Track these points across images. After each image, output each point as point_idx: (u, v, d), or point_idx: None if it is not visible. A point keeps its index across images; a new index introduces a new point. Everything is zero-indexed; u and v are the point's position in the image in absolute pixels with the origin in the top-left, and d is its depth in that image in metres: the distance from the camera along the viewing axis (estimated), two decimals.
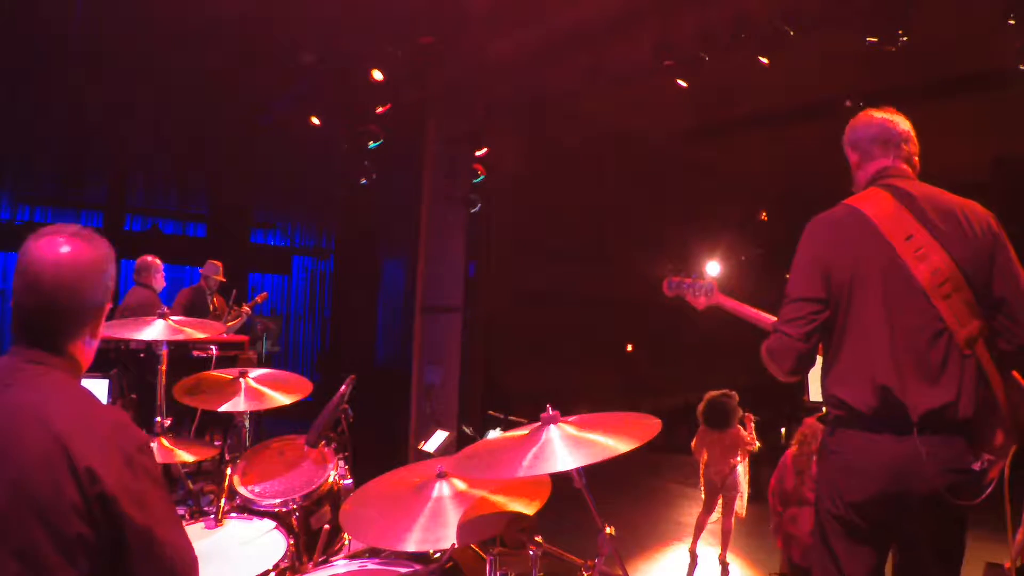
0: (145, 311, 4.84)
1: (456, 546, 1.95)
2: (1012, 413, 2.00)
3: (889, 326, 1.97)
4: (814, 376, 3.24)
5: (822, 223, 2.16)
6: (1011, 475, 2.04)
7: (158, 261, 6.24)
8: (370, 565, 2.31)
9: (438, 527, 2.00)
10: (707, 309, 2.63)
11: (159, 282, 6.18)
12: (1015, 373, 2.07)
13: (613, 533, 1.89)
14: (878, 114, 2.23)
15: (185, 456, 2.93)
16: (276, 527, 2.63)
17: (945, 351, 1.93)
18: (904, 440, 1.89)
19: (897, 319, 1.97)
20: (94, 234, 1.51)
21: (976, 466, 1.90)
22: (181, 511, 3.02)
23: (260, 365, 6.68)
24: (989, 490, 1.92)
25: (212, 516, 2.66)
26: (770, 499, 4.05)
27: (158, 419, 3.17)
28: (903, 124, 2.21)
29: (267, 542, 2.54)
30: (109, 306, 1.52)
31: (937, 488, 1.86)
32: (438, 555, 2.29)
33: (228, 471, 2.95)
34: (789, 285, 2.12)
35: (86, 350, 1.51)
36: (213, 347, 5.62)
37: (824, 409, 3.44)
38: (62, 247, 1.43)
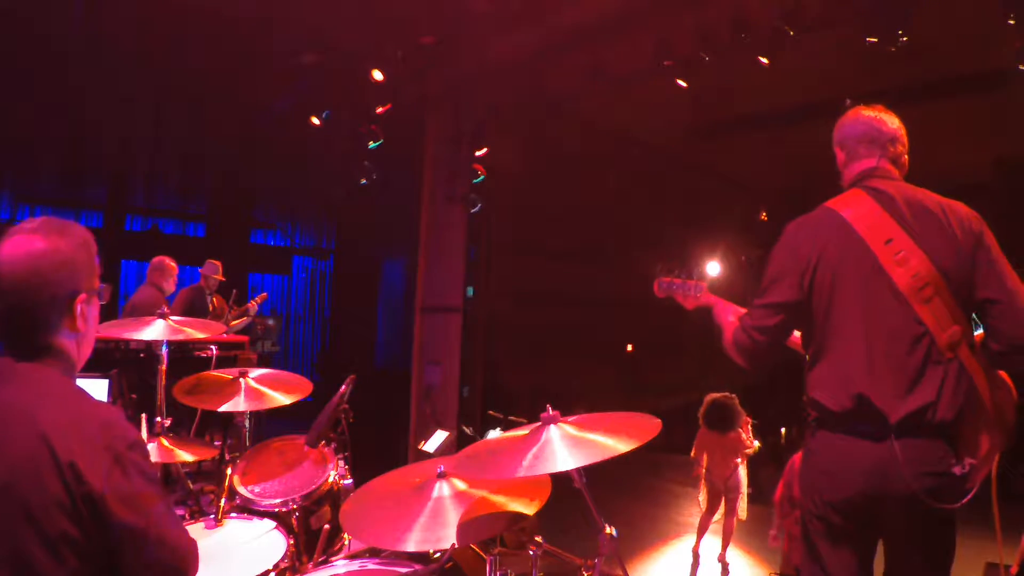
0: (148, 311, 4.83)
1: (456, 546, 1.95)
2: (999, 415, 1.99)
3: (868, 330, 1.96)
4: None
5: (801, 226, 2.14)
6: (1010, 476, 2.04)
7: (173, 265, 6.20)
8: (370, 565, 2.31)
9: (438, 527, 2.00)
10: (696, 309, 2.63)
11: (170, 285, 6.17)
12: (1002, 374, 2.05)
13: (613, 533, 1.89)
14: (867, 112, 2.20)
15: (185, 456, 2.93)
16: (276, 527, 2.63)
17: (925, 355, 1.92)
18: (882, 443, 1.89)
19: (876, 323, 1.96)
20: (62, 225, 1.47)
21: (957, 470, 1.87)
22: (181, 511, 3.02)
23: (260, 365, 6.68)
24: (971, 494, 1.91)
25: (212, 516, 2.66)
26: (777, 502, 4.05)
27: (158, 419, 3.17)
28: (892, 123, 2.17)
29: (267, 542, 2.54)
30: (84, 296, 1.46)
31: (915, 491, 1.85)
32: (438, 555, 2.29)
33: (228, 471, 2.95)
34: (765, 286, 2.12)
35: (73, 343, 1.47)
36: (213, 347, 5.62)
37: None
38: (15, 244, 1.41)
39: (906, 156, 2.18)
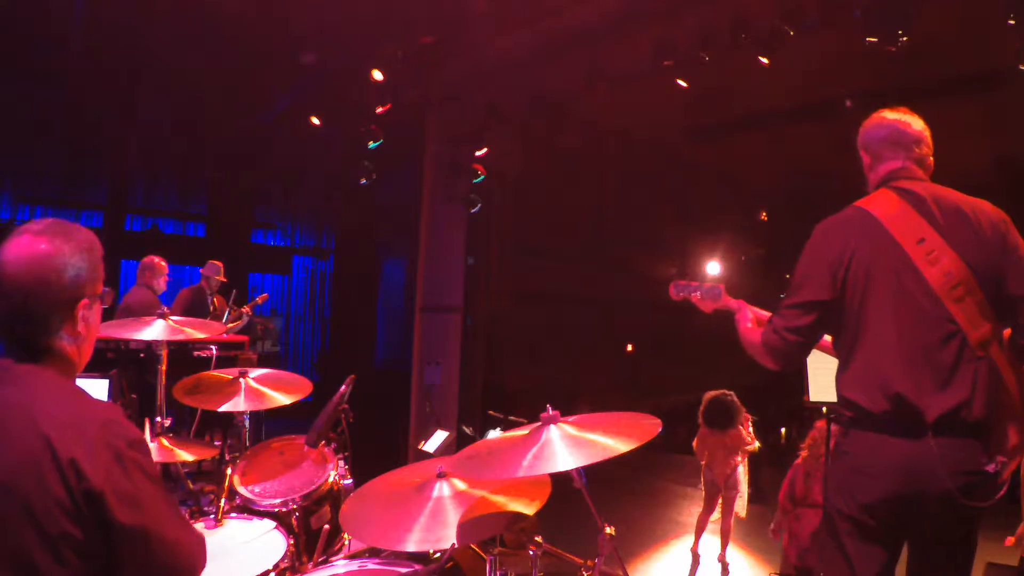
0: (143, 311, 4.84)
1: (456, 546, 1.95)
2: None
3: (901, 329, 1.97)
4: (814, 376, 3.24)
5: (832, 225, 2.14)
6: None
7: (163, 264, 6.17)
8: (370, 565, 2.31)
9: (438, 527, 2.00)
10: (715, 312, 2.62)
11: (160, 284, 6.15)
12: None
13: (613, 533, 1.89)
14: (890, 115, 2.21)
15: (185, 456, 2.93)
16: (276, 527, 2.63)
17: (957, 353, 1.93)
18: (917, 442, 1.89)
19: (909, 322, 1.97)
20: (68, 228, 1.46)
21: (990, 468, 1.89)
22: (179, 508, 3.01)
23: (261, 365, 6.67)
24: (1003, 491, 1.92)
25: (212, 516, 2.66)
26: (781, 498, 4.06)
27: (158, 419, 3.17)
28: (916, 125, 2.18)
29: (267, 542, 2.54)
30: (86, 301, 1.46)
31: (950, 489, 1.86)
32: (438, 555, 2.29)
33: (228, 471, 2.95)
34: (796, 285, 2.11)
35: (74, 346, 1.47)
36: (213, 347, 5.62)
37: (824, 409, 3.45)
38: (23, 245, 1.40)
39: (931, 158, 2.19)
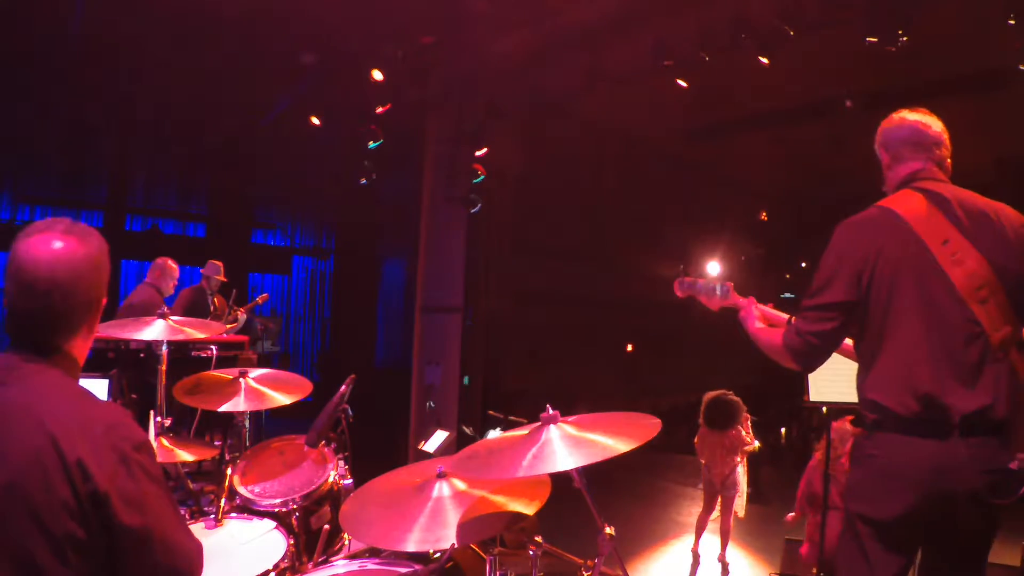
0: (145, 311, 4.84)
1: (456, 546, 1.95)
2: None
3: (927, 330, 1.97)
4: (814, 376, 3.24)
5: (854, 225, 2.13)
6: None
7: (175, 267, 6.16)
8: (370, 565, 2.31)
9: (438, 527, 2.00)
10: (721, 310, 2.60)
11: (169, 288, 6.14)
12: None
13: (613, 533, 1.89)
14: (911, 116, 2.21)
15: (185, 456, 2.94)
16: (276, 527, 2.63)
17: (981, 354, 1.94)
18: (945, 442, 1.90)
19: (935, 323, 1.97)
20: (86, 229, 1.47)
21: (1014, 465, 1.90)
22: (181, 511, 3.01)
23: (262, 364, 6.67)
24: None
25: (212, 516, 2.66)
26: (799, 501, 4.04)
27: (158, 419, 3.17)
28: (936, 127, 2.19)
29: (267, 542, 2.54)
30: (105, 301, 1.49)
31: (976, 488, 1.87)
32: (438, 555, 2.29)
33: (228, 471, 2.95)
34: (819, 286, 2.08)
35: (82, 346, 1.48)
36: (213, 347, 5.61)
37: (824, 410, 3.45)
38: (54, 245, 1.39)
39: (950, 159, 2.19)
